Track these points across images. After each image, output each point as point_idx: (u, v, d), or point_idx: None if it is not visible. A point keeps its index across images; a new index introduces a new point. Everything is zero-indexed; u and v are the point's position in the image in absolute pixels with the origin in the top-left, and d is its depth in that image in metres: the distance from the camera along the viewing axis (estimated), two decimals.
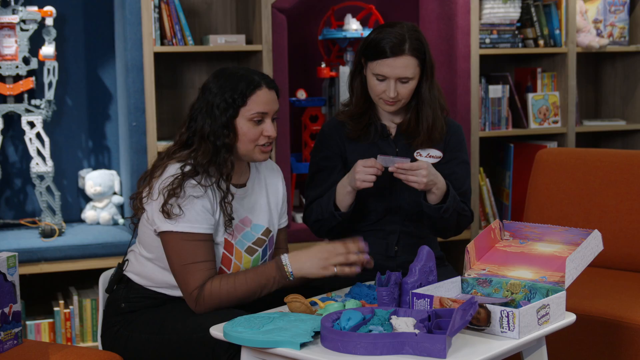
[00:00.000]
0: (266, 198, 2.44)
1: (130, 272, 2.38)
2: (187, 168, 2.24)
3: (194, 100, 2.33)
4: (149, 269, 2.34)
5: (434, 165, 2.66)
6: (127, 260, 2.41)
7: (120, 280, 2.39)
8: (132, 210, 2.37)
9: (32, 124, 3.62)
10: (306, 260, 2.24)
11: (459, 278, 2.22)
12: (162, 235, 2.24)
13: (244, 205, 2.38)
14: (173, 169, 2.26)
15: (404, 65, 2.54)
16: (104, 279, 2.48)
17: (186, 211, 2.21)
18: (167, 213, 2.20)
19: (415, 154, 2.66)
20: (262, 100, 2.27)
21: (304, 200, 4.02)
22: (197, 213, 2.22)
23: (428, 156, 2.66)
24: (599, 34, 4.40)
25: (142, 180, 2.34)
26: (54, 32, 3.63)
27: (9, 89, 3.60)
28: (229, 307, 2.22)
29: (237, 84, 2.26)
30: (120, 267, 2.41)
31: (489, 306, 1.96)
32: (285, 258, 2.24)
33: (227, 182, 2.27)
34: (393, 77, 2.54)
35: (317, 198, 2.65)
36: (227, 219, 2.28)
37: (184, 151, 2.29)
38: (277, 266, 2.24)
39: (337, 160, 2.66)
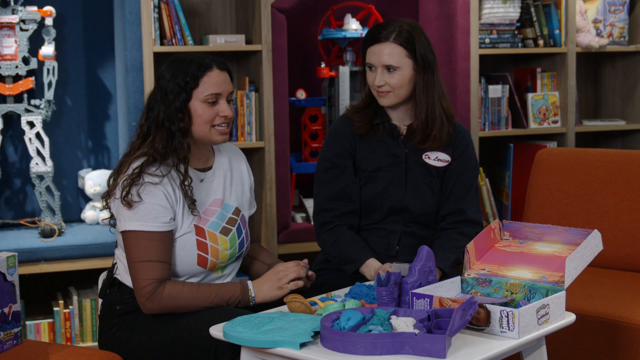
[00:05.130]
0: (232, 179, 2.48)
1: (120, 275, 2.38)
2: (146, 158, 2.28)
3: (150, 91, 2.36)
4: None
5: (442, 168, 2.66)
6: (116, 263, 2.41)
7: (112, 283, 2.40)
8: (107, 210, 2.38)
9: (31, 124, 3.62)
10: (264, 285, 2.33)
11: (458, 278, 2.22)
12: (122, 234, 2.29)
13: (213, 187, 2.41)
14: (137, 163, 2.29)
15: (387, 53, 2.56)
16: (103, 279, 2.48)
17: (142, 205, 2.24)
18: (128, 203, 2.23)
19: (423, 156, 2.66)
20: (214, 81, 2.30)
21: (303, 199, 4.02)
22: (150, 211, 2.24)
23: (436, 159, 2.66)
24: (599, 34, 4.40)
25: (110, 178, 2.36)
26: (53, 32, 3.62)
27: (8, 89, 3.60)
28: (179, 312, 2.26)
29: (188, 67, 2.29)
30: (110, 271, 2.42)
31: (488, 306, 1.96)
32: (250, 284, 2.32)
33: (185, 165, 2.30)
34: (379, 65, 2.57)
35: (331, 198, 2.64)
36: (190, 202, 2.31)
37: (145, 143, 2.32)
38: (242, 288, 2.31)
39: (349, 158, 2.66)
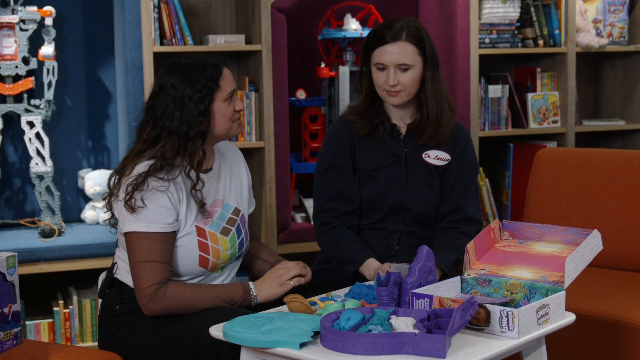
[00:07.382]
0: (231, 179, 2.50)
1: (120, 274, 2.38)
2: (153, 164, 2.29)
3: (150, 99, 2.36)
4: None
5: (442, 167, 2.66)
6: (116, 263, 2.41)
7: (112, 283, 2.40)
8: (109, 211, 2.38)
9: (31, 124, 3.62)
10: (264, 284, 2.35)
11: (458, 278, 2.22)
12: (125, 236, 2.29)
13: (213, 188, 2.43)
14: (142, 167, 2.29)
15: (401, 51, 2.56)
16: (102, 279, 2.48)
17: (146, 209, 2.25)
18: (131, 207, 2.24)
19: (423, 155, 2.66)
20: (229, 79, 2.38)
21: (303, 199, 4.02)
22: (153, 212, 2.25)
23: (436, 158, 2.66)
24: (599, 34, 4.40)
25: (111, 178, 2.37)
26: (53, 32, 3.62)
27: (8, 89, 3.60)
28: (181, 313, 2.26)
29: (203, 71, 2.32)
30: (110, 271, 2.42)
31: (488, 306, 1.96)
32: (251, 284, 2.34)
33: (197, 171, 2.33)
34: (392, 65, 2.57)
35: (330, 199, 2.64)
36: (200, 206, 2.34)
37: (152, 148, 2.33)
38: (244, 288, 2.33)
39: (348, 158, 2.66)
